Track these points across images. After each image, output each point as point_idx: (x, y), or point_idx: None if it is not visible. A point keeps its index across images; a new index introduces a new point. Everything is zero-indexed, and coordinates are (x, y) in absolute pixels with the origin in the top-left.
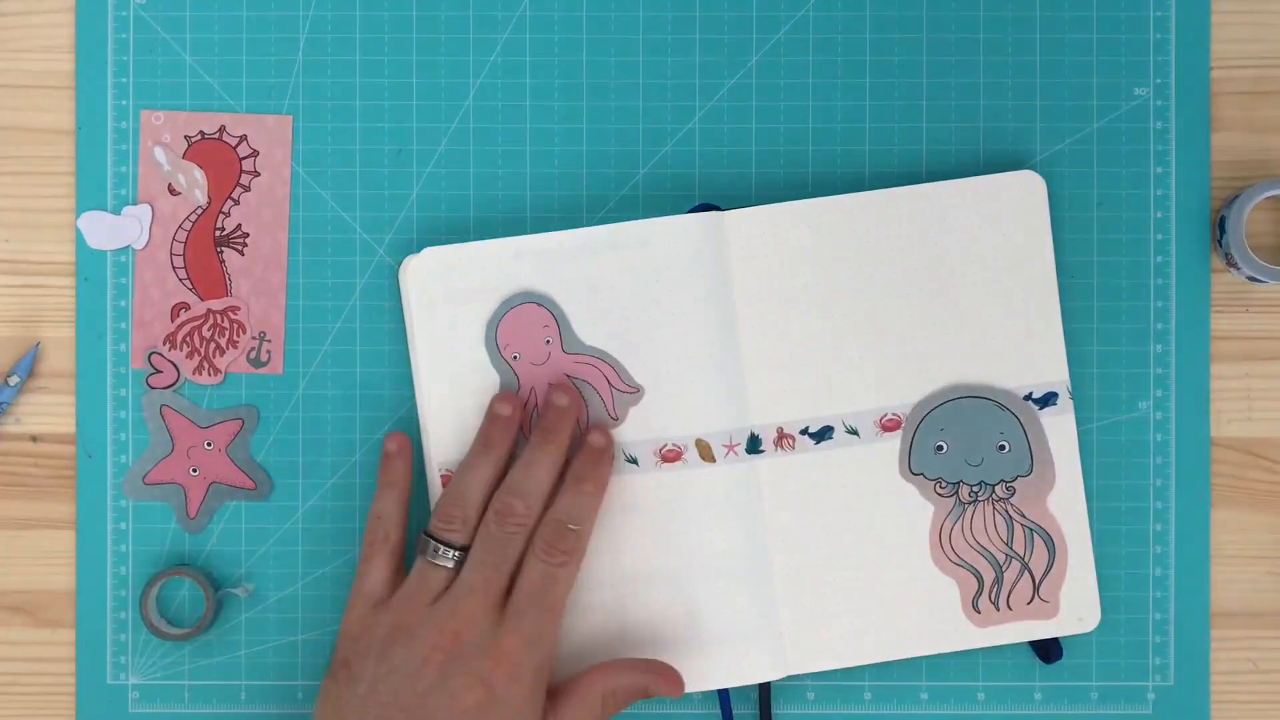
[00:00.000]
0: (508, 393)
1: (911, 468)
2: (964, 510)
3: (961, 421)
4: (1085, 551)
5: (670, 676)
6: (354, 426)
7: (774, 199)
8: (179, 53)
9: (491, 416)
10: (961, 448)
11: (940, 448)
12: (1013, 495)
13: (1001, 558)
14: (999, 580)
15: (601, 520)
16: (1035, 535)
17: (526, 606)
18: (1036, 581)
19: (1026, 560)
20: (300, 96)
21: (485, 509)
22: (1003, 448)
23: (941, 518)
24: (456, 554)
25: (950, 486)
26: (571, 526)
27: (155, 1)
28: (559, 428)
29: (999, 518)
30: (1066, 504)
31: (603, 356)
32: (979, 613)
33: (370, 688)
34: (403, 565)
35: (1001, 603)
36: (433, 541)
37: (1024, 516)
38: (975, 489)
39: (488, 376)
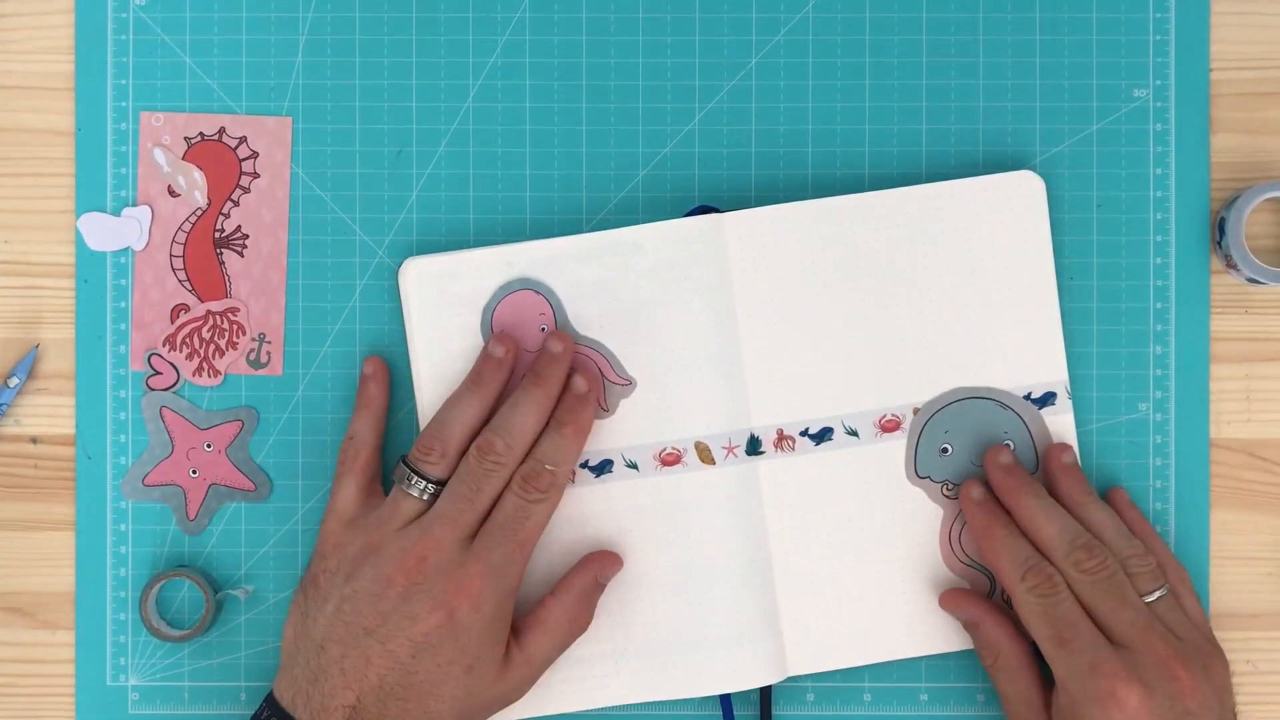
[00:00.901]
0: (504, 334)
1: (918, 471)
2: None
3: (965, 423)
4: None
5: (608, 558)
6: None
7: (773, 200)
8: (179, 54)
9: (485, 356)
10: (967, 449)
11: (945, 450)
12: None
13: None
14: None
15: (602, 525)
16: None
17: (497, 538)
18: None
19: None
20: (300, 98)
21: (467, 447)
22: (1008, 446)
23: (951, 520)
24: (431, 487)
25: (957, 489)
26: (549, 467)
27: (155, 2)
28: (550, 374)
29: None
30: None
31: (596, 347)
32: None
33: (336, 607)
34: (377, 486)
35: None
36: (409, 471)
37: None
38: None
39: None
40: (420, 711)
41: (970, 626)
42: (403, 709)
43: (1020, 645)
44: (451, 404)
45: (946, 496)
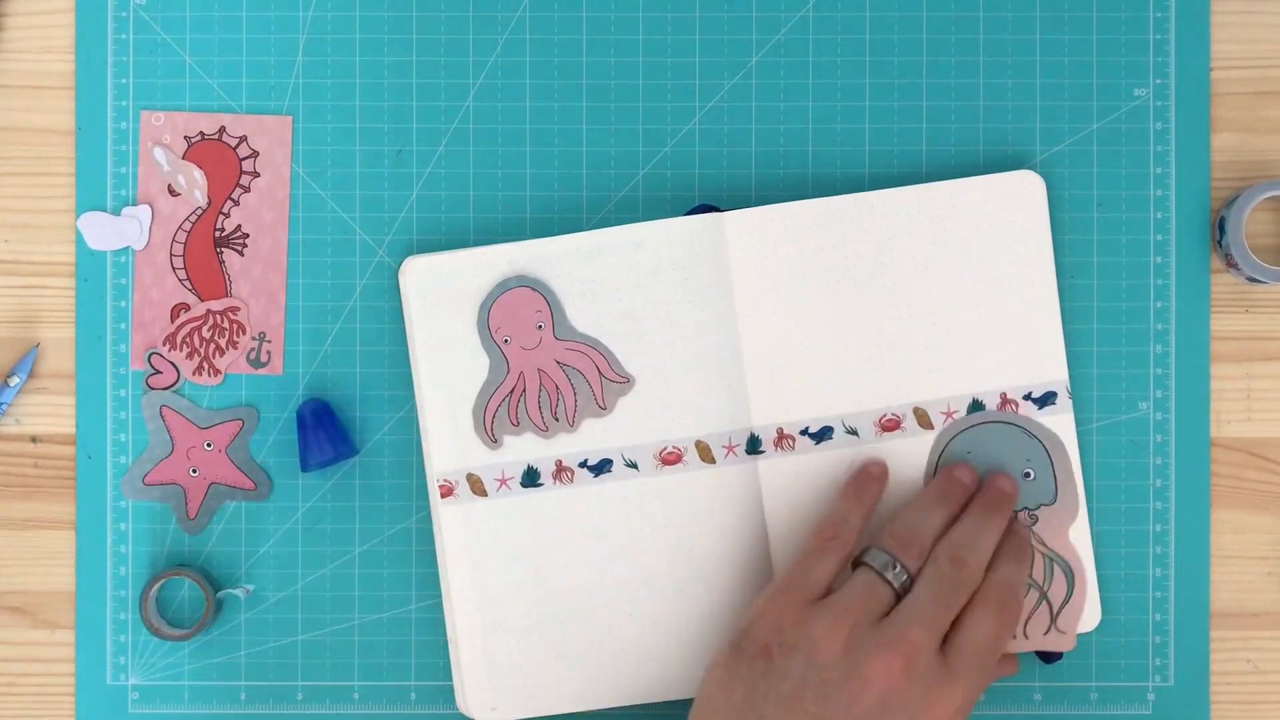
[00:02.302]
0: (968, 466)
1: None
2: None
3: (988, 445)
4: (1085, 552)
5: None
6: (354, 427)
7: (774, 199)
8: (179, 53)
9: (952, 479)
10: (986, 470)
11: None
12: (1035, 524)
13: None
14: None
15: (602, 524)
16: (1055, 565)
17: (974, 663)
18: (1054, 612)
19: (1046, 590)
20: (300, 97)
21: (930, 552)
22: (1028, 475)
23: None
24: (909, 580)
25: None
26: (1018, 595)
27: (155, 2)
28: (1003, 508)
29: None
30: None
31: (594, 345)
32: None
33: (796, 688)
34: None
35: (1019, 632)
36: (889, 557)
37: (1045, 546)
38: None
39: (478, 360)
40: None
41: None
42: None
43: None
44: (919, 509)
45: None
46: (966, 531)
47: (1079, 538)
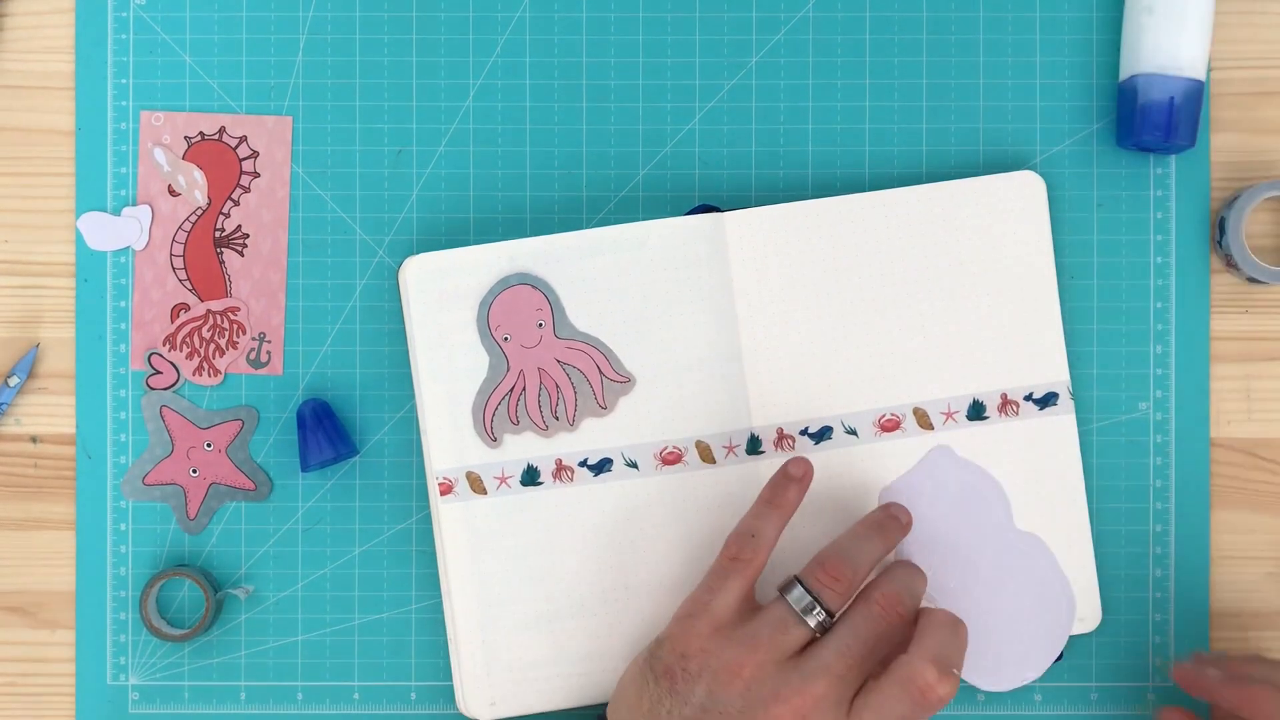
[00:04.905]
0: (905, 508)
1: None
2: None
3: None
4: (1086, 552)
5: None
6: (354, 427)
7: (774, 200)
8: (179, 53)
9: (890, 515)
10: None
11: None
12: None
13: None
14: None
15: (602, 524)
16: None
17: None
18: None
19: None
20: (300, 97)
21: (862, 586)
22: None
23: None
24: (828, 620)
25: None
26: (955, 671)
27: (155, 2)
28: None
29: None
30: (1067, 505)
31: (595, 344)
32: None
33: (695, 716)
34: (754, 591)
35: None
36: (808, 595)
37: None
38: None
39: (478, 358)
40: None
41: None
42: None
43: None
44: (858, 539)
45: None
46: (906, 573)
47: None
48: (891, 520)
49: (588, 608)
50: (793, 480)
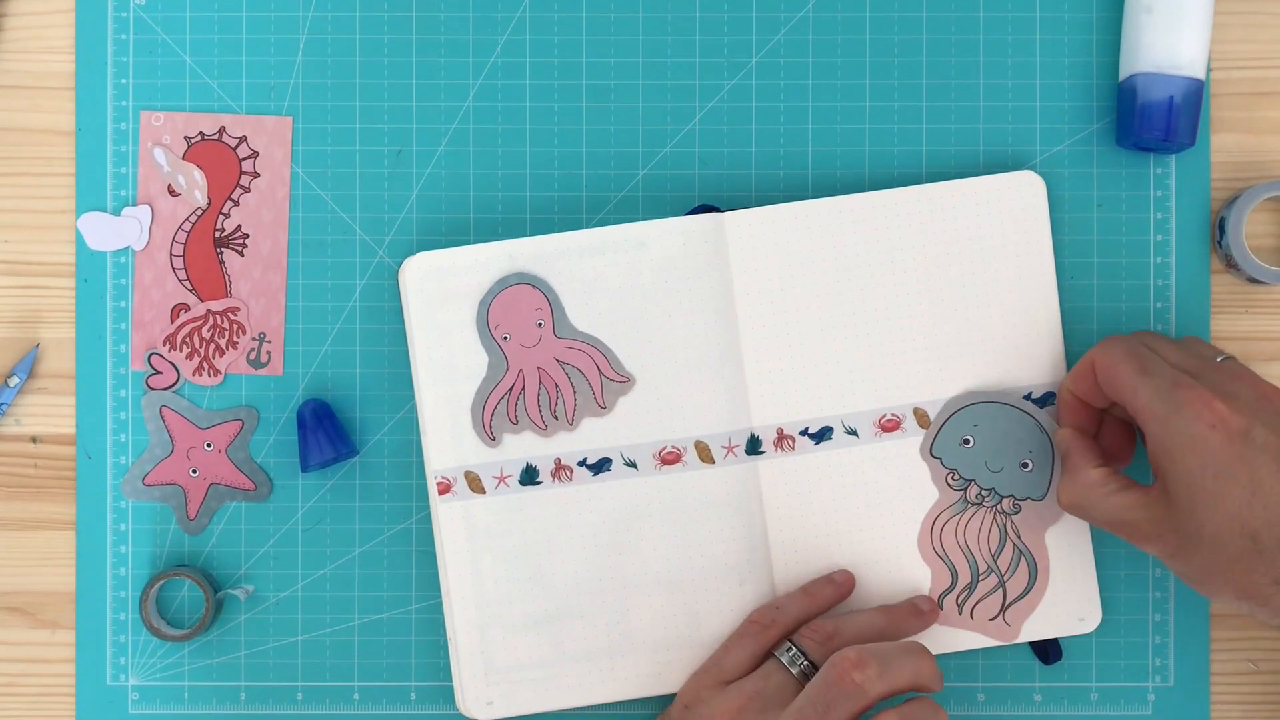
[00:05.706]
0: (933, 602)
1: (933, 450)
2: (965, 509)
3: (995, 425)
4: (1086, 551)
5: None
6: (354, 427)
7: (774, 200)
8: (179, 53)
9: (914, 608)
10: (987, 450)
11: (967, 441)
12: (1016, 514)
13: (983, 566)
14: (971, 586)
15: (601, 523)
16: (1023, 559)
17: None
18: (1005, 602)
19: (1005, 578)
20: (300, 97)
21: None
22: (1025, 465)
23: (941, 508)
24: (807, 666)
25: (962, 481)
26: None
27: (155, 2)
28: (929, 662)
29: (995, 529)
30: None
31: (594, 343)
32: (941, 609)
33: None
34: (765, 657)
35: (965, 609)
36: (797, 650)
37: (1019, 538)
38: (984, 493)
39: (477, 357)
40: None
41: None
42: None
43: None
44: (860, 614)
45: (948, 485)
46: (888, 647)
47: (1058, 542)
48: (909, 612)
49: (586, 607)
50: (833, 584)
